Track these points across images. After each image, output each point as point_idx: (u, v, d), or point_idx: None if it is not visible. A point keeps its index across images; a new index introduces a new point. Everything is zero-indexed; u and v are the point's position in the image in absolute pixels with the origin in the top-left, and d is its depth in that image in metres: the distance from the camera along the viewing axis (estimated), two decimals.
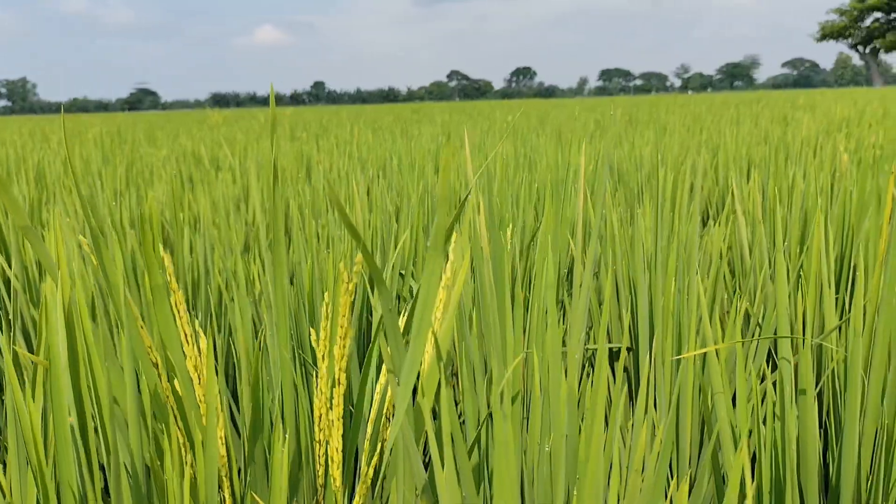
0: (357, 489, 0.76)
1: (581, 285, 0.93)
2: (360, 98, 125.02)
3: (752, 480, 0.77)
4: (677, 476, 1.08)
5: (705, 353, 1.16)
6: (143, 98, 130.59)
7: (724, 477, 0.77)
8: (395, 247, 1.84)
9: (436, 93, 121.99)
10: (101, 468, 0.91)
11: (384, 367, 0.85)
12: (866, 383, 0.66)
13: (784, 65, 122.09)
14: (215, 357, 1.21)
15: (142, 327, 0.56)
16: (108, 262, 0.53)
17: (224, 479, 0.71)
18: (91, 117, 21.36)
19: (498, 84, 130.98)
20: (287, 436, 0.59)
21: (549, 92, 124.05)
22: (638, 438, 0.68)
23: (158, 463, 0.58)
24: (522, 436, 0.81)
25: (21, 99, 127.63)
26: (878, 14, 48.38)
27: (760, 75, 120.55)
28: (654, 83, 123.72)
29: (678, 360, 1.15)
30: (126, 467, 0.59)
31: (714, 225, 1.87)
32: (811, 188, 1.67)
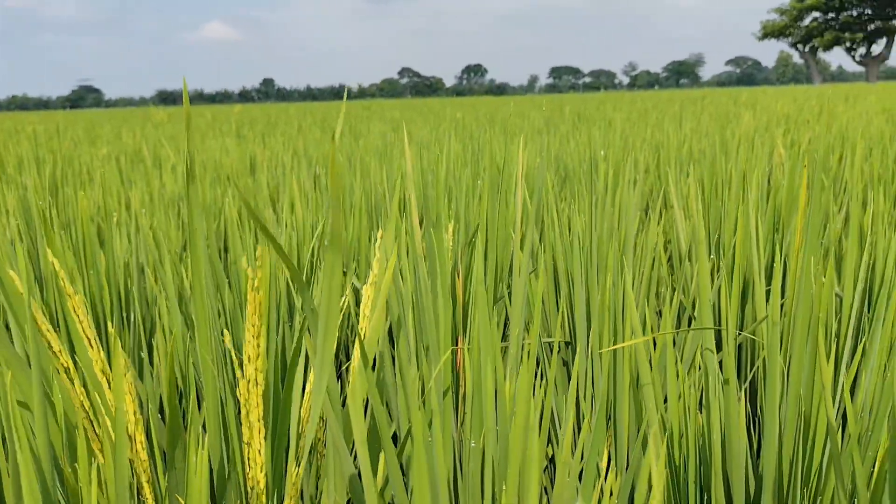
0: (286, 491, 0.75)
1: (519, 278, 0.93)
2: (311, 95, 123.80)
3: (684, 471, 0.77)
4: (616, 468, 1.09)
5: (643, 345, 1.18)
6: (86, 96, 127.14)
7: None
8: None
9: (387, 90, 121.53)
10: None
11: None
12: (786, 372, 0.67)
13: (728, 63, 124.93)
14: (151, 360, 1.18)
15: (49, 331, 0.54)
16: (3, 273, 0.51)
17: (145, 484, 0.69)
18: (29, 115, 20.69)
19: (449, 81, 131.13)
20: (206, 439, 0.57)
21: (500, 89, 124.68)
22: (566, 431, 0.68)
23: (70, 470, 0.56)
24: (459, 432, 0.81)
25: None
26: (816, 14, 49.82)
27: (705, 73, 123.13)
28: (603, 81, 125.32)
29: (619, 354, 1.16)
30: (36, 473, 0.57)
31: (655, 219, 1.90)
32: (747, 182, 1.70)
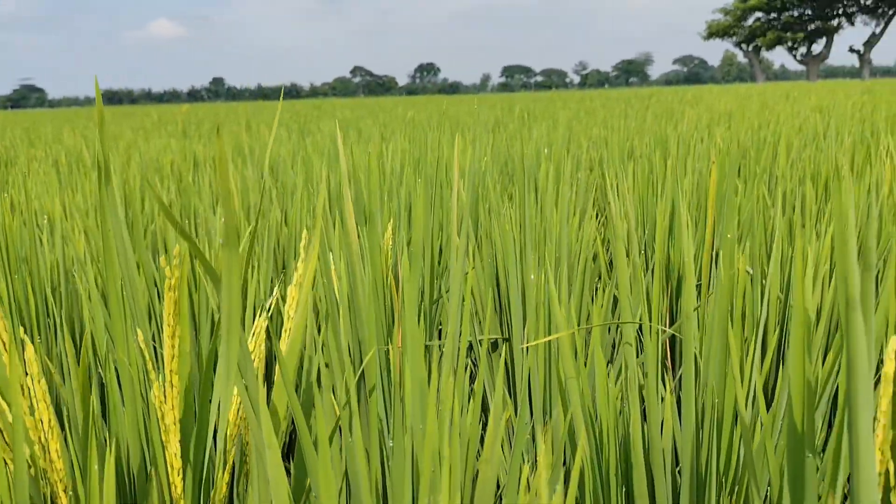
0: (212, 497, 0.74)
1: (455, 276, 0.93)
2: (262, 94, 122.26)
3: (607, 465, 0.79)
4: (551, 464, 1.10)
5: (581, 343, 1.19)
6: (29, 95, 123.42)
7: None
8: (279, 244, 1.80)
9: (339, 89, 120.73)
10: None
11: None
12: (699, 363, 0.69)
13: (675, 62, 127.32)
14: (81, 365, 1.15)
15: None
16: None
17: (62, 493, 0.67)
18: None
19: (402, 80, 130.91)
20: (114, 443, 0.56)
21: (453, 88, 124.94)
22: (494, 430, 0.68)
23: None
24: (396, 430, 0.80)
25: None
26: (759, 14, 51.10)
27: (654, 72, 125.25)
28: (554, 80, 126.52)
29: (552, 350, 1.18)
30: None
31: (591, 216, 1.93)
32: (684, 179, 1.74)
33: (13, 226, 1.39)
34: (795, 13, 50.15)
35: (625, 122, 4.79)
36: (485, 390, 1.30)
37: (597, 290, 1.54)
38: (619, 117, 5.47)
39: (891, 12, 46.47)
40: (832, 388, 0.80)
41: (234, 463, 0.83)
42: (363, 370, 0.81)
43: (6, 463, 0.62)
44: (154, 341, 1.23)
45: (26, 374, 0.65)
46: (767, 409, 0.79)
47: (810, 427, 0.51)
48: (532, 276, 1.22)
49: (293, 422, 0.97)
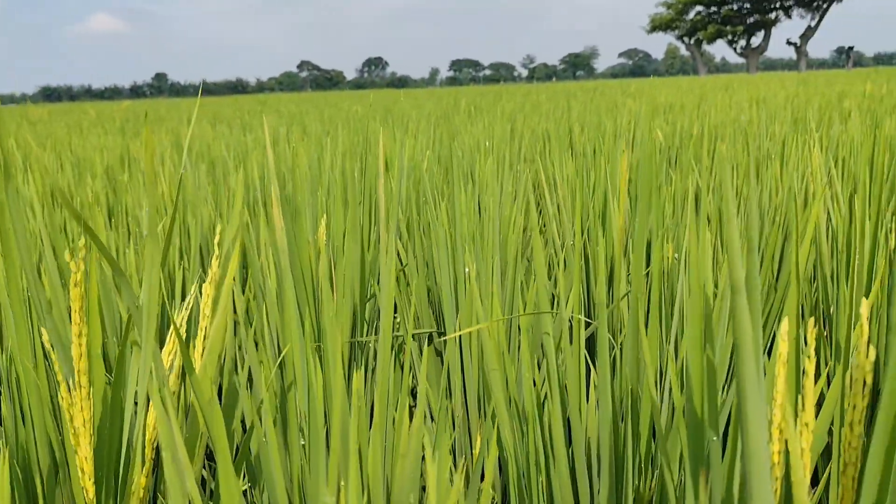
0: (128, 501, 0.72)
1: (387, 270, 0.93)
2: (207, 90, 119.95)
3: (526, 455, 0.79)
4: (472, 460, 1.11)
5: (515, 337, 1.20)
6: None
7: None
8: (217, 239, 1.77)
9: (286, 84, 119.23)
10: None
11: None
12: (616, 350, 0.70)
13: (620, 55, 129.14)
14: None
15: None
16: None
17: None
18: None
19: (350, 74, 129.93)
20: (9, 448, 0.54)
21: (401, 82, 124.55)
22: (415, 424, 0.68)
23: None
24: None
25: None
26: (700, 7, 52.15)
27: (600, 65, 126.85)
28: (502, 73, 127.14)
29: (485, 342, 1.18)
30: None
31: (523, 207, 1.94)
32: (617, 168, 1.76)
33: None
34: (735, 7, 51.34)
35: (568, 114, 4.84)
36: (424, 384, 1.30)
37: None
38: (563, 110, 5.53)
39: (825, 6, 47.92)
40: None
41: (153, 463, 0.81)
42: (290, 369, 0.80)
43: None
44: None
45: None
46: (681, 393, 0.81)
47: (713, 409, 0.52)
48: (466, 269, 1.22)
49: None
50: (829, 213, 1.37)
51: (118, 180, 2.49)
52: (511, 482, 0.75)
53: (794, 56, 47.81)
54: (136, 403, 0.74)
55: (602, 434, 0.68)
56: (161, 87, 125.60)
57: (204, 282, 1.32)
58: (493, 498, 1.14)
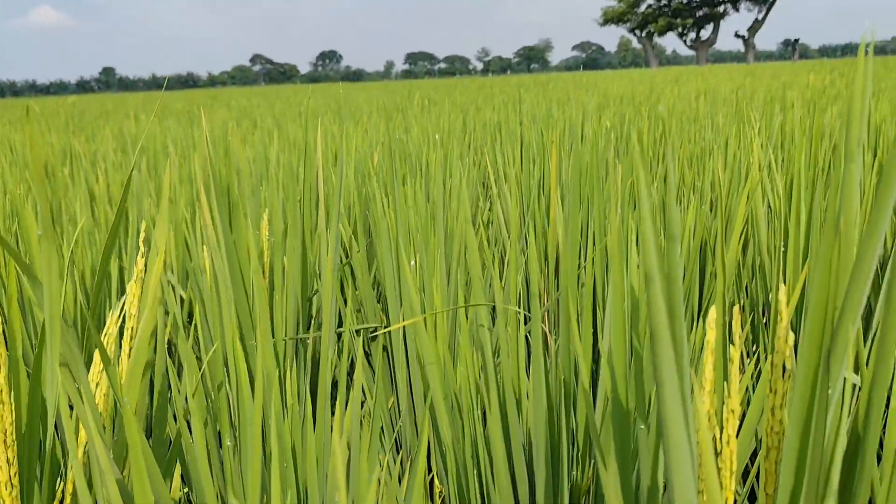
0: None
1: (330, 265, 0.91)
2: (157, 84, 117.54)
3: (461, 447, 0.79)
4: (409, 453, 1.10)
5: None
6: None
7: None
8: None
9: (239, 78, 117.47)
10: None
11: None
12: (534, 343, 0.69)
13: (574, 48, 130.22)
14: None
15: None
16: None
17: None
18: None
19: (304, 68, 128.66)
20: None
21: (356, 76, 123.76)
22: (352, 420, 0.67)
23: None
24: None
25: None
26: (651, 0, 52.89)
27: (554, 58, 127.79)
28: (457, 66, 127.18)
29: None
30: None
31: (483, 200, 1.94)
32: (563, 162, 1.76)
33: None
34: (684, 0, 52.17)
35: (520, 106, 4.86)
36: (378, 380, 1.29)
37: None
38: (515, 102, 5.54)
39: None
40: None
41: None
42: (219, 368, 0.78)
43: None
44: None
45: None
46: None
47: (640, 399, 0.52)
48: (412, 262, 1.21)
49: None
50: (767, 201, 1.40)
51: (57, 177, 2.42)
52: (450, 476, 0.75)
53: (742, 48, 48.80)
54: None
55: (538, 427, 0.68)
56: (109, 81, 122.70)
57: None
58: (441, 492, 1.14)
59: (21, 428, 0.66)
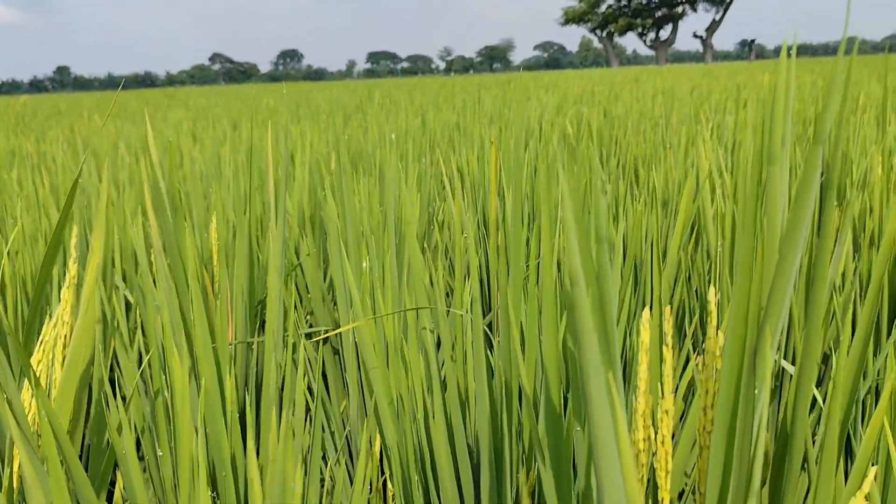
0: None
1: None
2: (113, 84, 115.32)
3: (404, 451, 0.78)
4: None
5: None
6: None
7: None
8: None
9: (198, 77, 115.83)
10: None
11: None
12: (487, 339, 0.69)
13: (536, 48, 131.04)
14: None
15: None
16: None
17: None
18: None
19: (265, 67, 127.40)
20: None
21: (318, 75, 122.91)
22: (282, 427, 0.66)
23: None
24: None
25: None
26: (611, 1, 53.43)
27: (516, 57, 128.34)
28: (420, 66, 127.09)
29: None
30: None
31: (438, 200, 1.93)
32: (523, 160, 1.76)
33: None
34: (644, 0, 52.82)
35: (479, 106, 4.87)
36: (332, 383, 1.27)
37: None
38: (475, 102, 5.56)
39: (728, 0, 49.84)
40: (626, 358, 0.84)
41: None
42: (157, 376, 0.76)
43: None
44: None
45: None
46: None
47: (577, 400, 0.52)
48: (365, 264, 1.20)
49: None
50: (715, 200, 1.41)
51: (2, 180, 2.35)
52: (395, 480, 0.74)
53: (700, 49, 49.59)
54: None
55: (481, 429, 0.68)
56: (64, 80, 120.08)
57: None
58: (394, 495, 1.13)
59: None
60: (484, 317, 1.27)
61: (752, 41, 48.89)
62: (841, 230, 1.15)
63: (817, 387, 1.09)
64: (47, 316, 1.27)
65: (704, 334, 1.22)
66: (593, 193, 1.47)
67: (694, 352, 1.25)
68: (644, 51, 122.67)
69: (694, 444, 0.71)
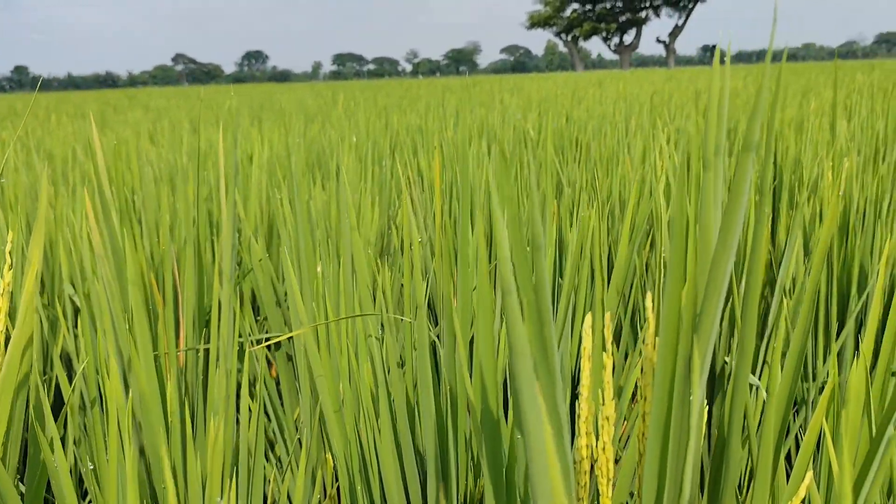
0: None
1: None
2: (73, 84, 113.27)
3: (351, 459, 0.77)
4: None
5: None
6: None
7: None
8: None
9: (161, 77, 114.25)
10: None
11: None
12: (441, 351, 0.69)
13: (502, 51, 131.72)
14: None
15: None
16: None
17: None
18: None
19: (229, 68, 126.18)
20: None
21: (283, 76, 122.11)
22: (219, 438, 0.64)
23: None
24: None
25: None
26: (576, 5, 53.93)
27: (482, 60, 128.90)
28: (386, 68, 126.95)
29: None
30: None
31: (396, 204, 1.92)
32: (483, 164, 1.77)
33: None
34: (608, 5, 53.41)
35: (442, 110, 4.87)
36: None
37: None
38: (438, 106, 5.56)
39: (691, 5, 50.65)
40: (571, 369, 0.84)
41: None
42: (92, 385, 0.74)
43: None
44: None
45: None
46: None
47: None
48: (319, 269, 1.18)
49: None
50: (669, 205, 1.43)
51: None
52: (342, 489, 0.73)
53: (664, 53, 50.28)
54: None
55: (427, 437, 0.67)
56: (22, 80, 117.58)
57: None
58: None
59: None
60: (437, 324, 1.26)
61: (714, 46, 49.65)
62: (790, 235, 1.17)
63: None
64: None
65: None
66: (529, 200, 1.48)
67: None
68: (608, 55, 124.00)
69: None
